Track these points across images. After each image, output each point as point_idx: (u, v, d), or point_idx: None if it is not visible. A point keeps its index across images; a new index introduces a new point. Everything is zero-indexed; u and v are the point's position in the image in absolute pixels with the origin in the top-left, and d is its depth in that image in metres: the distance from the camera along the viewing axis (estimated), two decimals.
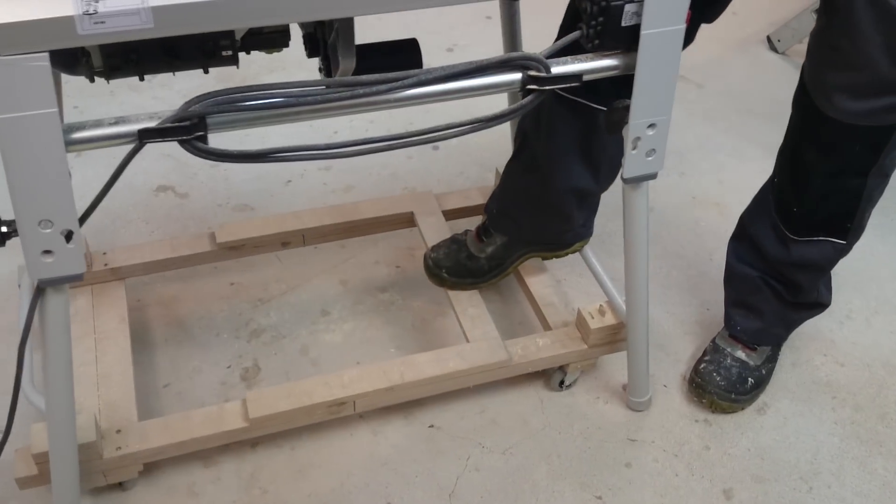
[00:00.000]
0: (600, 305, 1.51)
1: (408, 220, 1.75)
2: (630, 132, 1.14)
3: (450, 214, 1.76)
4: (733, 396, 1.55)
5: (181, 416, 1.38)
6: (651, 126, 1.15)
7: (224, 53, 1.03)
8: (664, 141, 1.17)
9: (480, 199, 1.77)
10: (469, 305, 1.57)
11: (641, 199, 1.27)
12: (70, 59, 1.04)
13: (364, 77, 1.00)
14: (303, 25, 1.13)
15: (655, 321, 1.70)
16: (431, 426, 1.51)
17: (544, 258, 1.64)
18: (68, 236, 0.97)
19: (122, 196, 1.96)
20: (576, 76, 1.07)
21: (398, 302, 1.73)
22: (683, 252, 1.90)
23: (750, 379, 1.56)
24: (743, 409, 1.57)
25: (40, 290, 1.02)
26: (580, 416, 1.54)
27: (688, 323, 1.73)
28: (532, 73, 1.05)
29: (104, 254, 1.63)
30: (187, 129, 0.96)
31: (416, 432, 1.50)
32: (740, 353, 1.58)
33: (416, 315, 1.71)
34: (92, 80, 1.13)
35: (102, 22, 0.84)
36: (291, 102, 0.98)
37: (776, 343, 1.62)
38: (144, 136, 0.95)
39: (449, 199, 1.79)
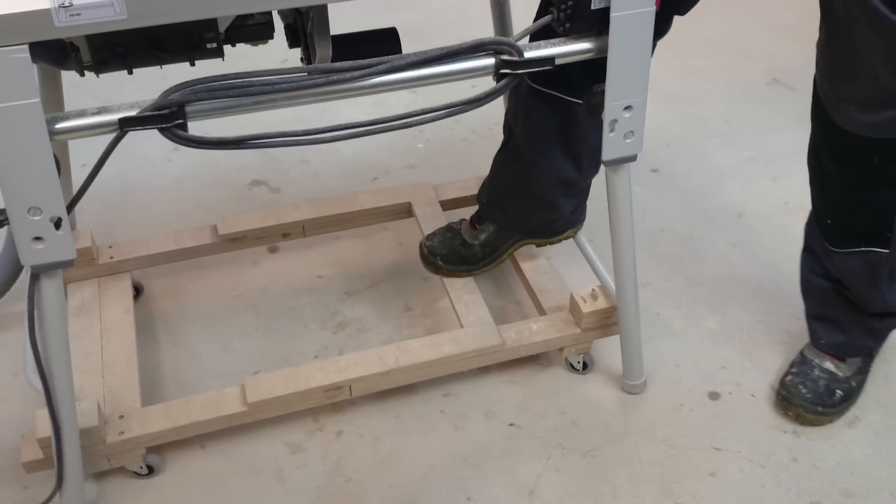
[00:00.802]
0: (592, 290, 1.53)
1: (406, 211, 1.78)
2: (606, 114, 1.16)
3: (447, 204, 1.79)
4: (820, 409, 1.49)
5: (182, 401, 1.42)
6: (627, 108, 1.17)
7: (209, 46, 1.07)
8: (641, 123, 1.19)
9: (475, 189, 1.79)
10: (464, 292, 1.59)
11: (623, 182, 1.28)
12: (60, 55, 1.08)
13: (339, 64, 1.03)
14: (283, 17, 1.16)
15: (745, 329, 1.70)
16: (512, 424, 1.51)
17: (538, 245, 1.66)
18: (57, 223, 1.01)
19: (217, 190, 2.02)
20: (548, 60, 1.09)
21: None
22: (774, 259, 1.85)
23: (838, 391, 1.51)
24: (831, 421, 1.51)
25: (35, 277, 1.06)
26: (664, 422, 1.52)
27: (777, 332, 1.69)
28: (505, 57, 1.08)
29: (110, 247, 1.68)
30: (166, 117, 0.99)
31: (496, 429, 1.50)
32: (828, 365, 1.52)
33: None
34: (82, 75, 1.17)
35: (78, 14, 0.88)
36: (267, 90, 1.01)
37: (866, 354, 1.56)
38: (125, 125, 0.99)
39: (446, 189, 1.81)
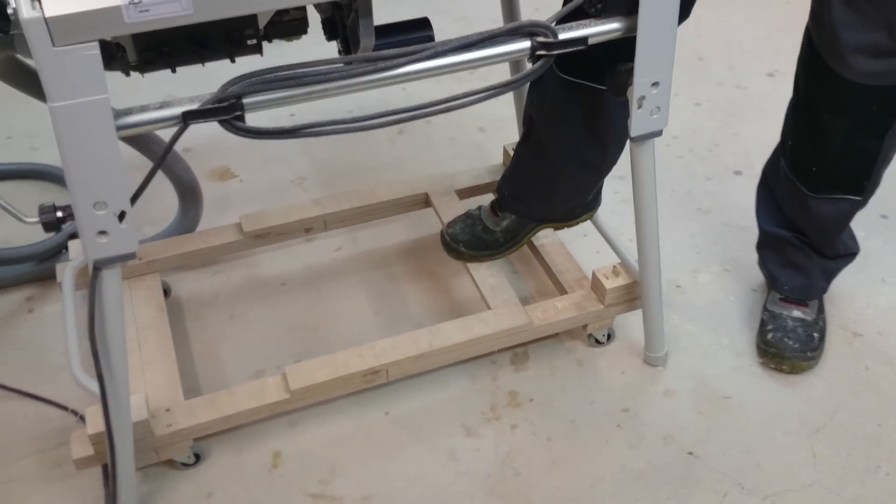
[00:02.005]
0: (614, 266, 1.59)
1: (423, 201, 1.83)
2: (635, 91, 1.22)
3: (463, 193, 1.84)
4: (809, 355, 1.60)
5: (226, 392, 1.45)
6: (654, 84, 1.22)
7: (249, 42, 1.11)
8: (667, 99, 1.25)
9: (489, 178, 1.85)
10: (488, 276, 1.64)
11: (648, 158, 1.34)
12: (106, 56, 1.11)
13: (384, 52, 1.08)
14: (322, 10, 1.20)
15: None
16: (691, 453, 1.49)
17: (556, 228, 1.72)
18: (121, 216, 1.05)
19: None
20: (582, 40, 1.14)
21: None
22: None
23: (815, 334, 1.62)
24: (817, 363, 1.61)
25: (97, 271, 1.09)
26: (857, 481, 1.45)
27: None
28: (540, 39, 1.12)
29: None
30: (226, 109, 1.03)
31: (673, 455, 1.49)
32: (797, 313, 1.63)
33: None
34: (127, 75, 1.21)
35: (147, 10, 0.92)
36: (320, 79, 1.05)
37: (820, 297, 1.68)
38: (188, 118, 1.02)
39: (460, 178, 1.86)
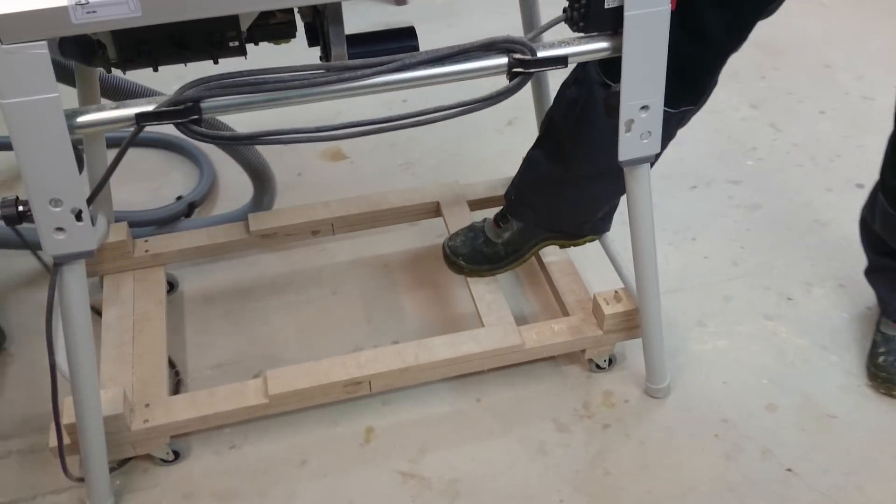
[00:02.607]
0: (615, 291, 1.52)
1: (434, 210, 1.80)
2: (622, 114, 1.16)
3: (475, 205, 1.80)
4: None
5: (207, 392, 1.45)
6: (644, 108, 1.16)
7: (231, 44, 1.10)
8: (659, 123, 1.19)
9: (503, 190, 1.80)
10: (486, 291, 1.60)
11: (643, 183, 1.28)
12: (87, 52, 1.12)
13: (351, 62, 1.05)
14: (303, 15, 1.18)
15: None
16: (790, 470, 1.45)
17: (561, 246, 1.66)
18: (78, 215, 1.05)
19: None
20: (561, 59, 1.09)
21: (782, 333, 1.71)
22: None
23: None
24: None
25: (57, 266, 1.10)
26: None
27: None
28: (517, 56, 1.08)
29: (145, 241, 1.72)
30: (182, 112, 1.02)
31: (771, 470, 1.45)
32: None
33: None
34: (109, 72, 1.21)
35: (94, 11, 0.91)
36: (280, 87, 1.03)
37: None
38: (142, 120, 1.01)
39: (475, 189, 1.82)
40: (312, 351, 1.66)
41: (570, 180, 1.52)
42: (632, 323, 1.52)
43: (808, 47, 2.63)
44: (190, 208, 1.93)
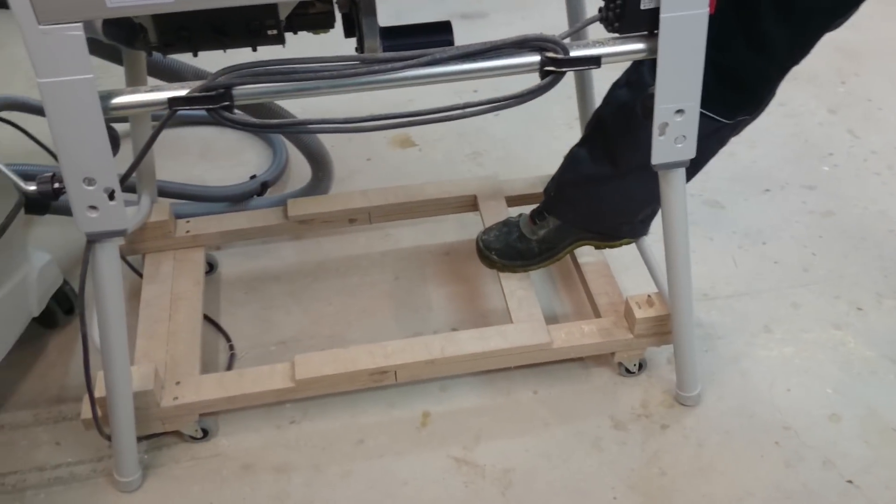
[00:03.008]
0: (648, 296, 1.50)
1: (471, 204, 1.79)
2: (656, 117, 1.14)
3: (513, 201, 1.79)
4: None
5: (236, 373, 1.48)
6: (679, 112, 1.14)
7: (269, 33, 1.11)
8: (694, 128, 1.16)
9: (542, 187, 1.79)
10: (518, 287, 1.59)
11: (677, 187, 1.26)
12: (129, 35, 1.14)
13: (382, 55, 1.05)
14: (340, 6, 1.19)
15: None
16: (850, 482, 1.42)
17: (597, 247, 1.64)
18: (111, 195, 1.07)
19: None
20: (594, 59, 1.08)
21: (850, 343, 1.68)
22: None
23: None
24: None
25: (90, 243, 1.13)
26: None
27: None
28: (550, 54, 1.07)
29: (187, 222, 1.75)
30: (214, 98, 1.03)
31: (831, 481, 1.43)
32: None
33: None
34: (149, 55, 1.23)
35: None
36: (310, 76, 1.04)
37: None
38: (174, 104, 1.03)
39: (513, 185, 1.81)
40: (373, 333, 1.69)
41: (614, 181, 1.50)
42: (664, 328, 1.50)
43: (891, 54, 2.56)
44: (262, 188, 1.98)
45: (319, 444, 1.50)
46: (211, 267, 1.83)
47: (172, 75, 1.63)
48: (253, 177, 2.02)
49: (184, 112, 1.05)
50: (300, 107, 2.18)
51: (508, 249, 1.62)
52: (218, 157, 2.16)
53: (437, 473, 1.45)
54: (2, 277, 1.48)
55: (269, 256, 1.88)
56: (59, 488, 1.45)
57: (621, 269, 1.78)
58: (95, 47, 1.52)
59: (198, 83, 1.04)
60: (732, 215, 1.95)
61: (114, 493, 1.43)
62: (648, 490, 1.41)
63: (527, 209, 1.69)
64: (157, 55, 1.55)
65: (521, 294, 1.58)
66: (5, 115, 1.50)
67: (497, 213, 1.74)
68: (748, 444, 1.48)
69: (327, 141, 1.90)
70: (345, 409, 1.55)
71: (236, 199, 1.94)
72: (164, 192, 1.88)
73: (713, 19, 1.07)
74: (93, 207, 1.07)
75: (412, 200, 1.76)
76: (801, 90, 2.34)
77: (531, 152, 2.16)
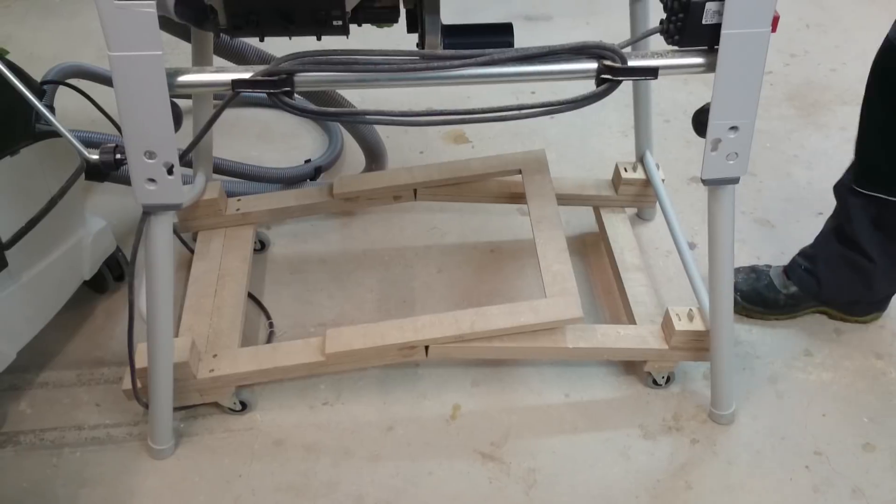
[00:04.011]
0: (690, 309, 1.50)
1: (517, 183, 1.79)
2: (710, 132, 1.14)
3: (561, 200, 1.76)
4: None
5: (270, 346, 1.51)
6: (733, 129, 1.14)
7: (335, 23, 1.13)
8: (748, 145, 1.16)
9: (592, 191, 1.80)
10: (555, 262, 1.56)
11: (726, 204, 1.25)
12: (200, 16, 1.17)
13: (441, 52, 1.07)
14: (405, 2, 1.20)
15: None
16: None
17: (831, 317, 1.71)
18: (170, 169, 1.10)
19: None
20: (651, 70, 1.08)
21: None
22: None
23: None
24: None
25: (146, 215, 1.16)
26: None
27: None
28: (607, 62, 1.08)
29: (238, 200, 1.79)
30: (275, 83, 1.06)
31: None
32: None
33: None
34: (217, 36, 1.26)
35: None
36: (370, 69, 1.06)
37: None
38: (237, 86, 1.06)
39: (563, 183, 1.81)
40: (389, 310, 1.72)
41: (864, 273, 1.57)
42: (701, 344, 1.49)
43: None
44: (316, 172, 2.01)
45: (350, 427, 1.53)
46: (262, 245, 1.87)
47: (237, 56, 1.67)
48: (308, 161, 2.05)
49: (246, 94, 1.07)
50: (359, 96, 2.21)
51: (754, 294, 1.68)
52: (275, 139, 2.20)
53: (463, 467, 1.47)
54: (57, 239, 1.53)
55: (317, 240, 1.91)
56: (94, 448, 1.49)
57: (663, 281, 1.79)
58: (165, 23, 1.57)
59: (261, 67, 1.07)
60: (782, 235, 1.93)
61: (146, 457, 1.48)
62: (673, 502, 1.41)
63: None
64: (224, 37, 1.60)
65: (557, 268, 1.54)
66: (74, 82, 1.54)
67: (541, 189, 1.72)
68: (778, 465, 1.47)
69: (382, 132, 1.93)
70: (377, 396, 1.58)
71: (290, 182, 1.98)
72: (222, 170, 1.92)
73: None
74: (151, 180, 1.11)
75: (457, 176, 1.77)
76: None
77: (584, 157, 2.16)
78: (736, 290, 1.63)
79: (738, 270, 1.71)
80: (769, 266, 1.72)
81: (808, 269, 1.64)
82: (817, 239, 1.64)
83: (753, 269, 1.72)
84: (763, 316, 1.69)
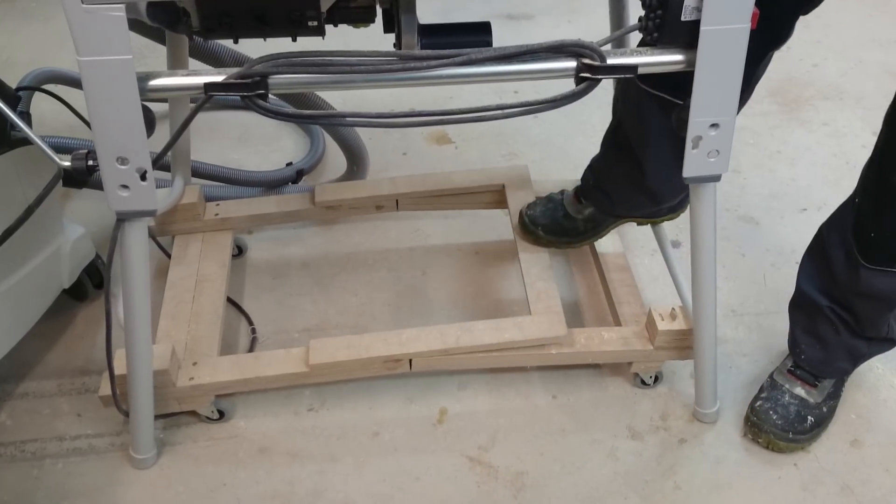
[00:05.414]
0: (672, 309, 1.49)
1: (498, 192, 1.78)
2: (690, 130, 1.13)
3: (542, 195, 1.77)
4: (791, 436, 1.47)
5: (252, 355, 1.49)
6: (713, 126, 1.13)
7: (310, 24, 1.11)
8: (729, 143, 1.15)
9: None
10: (538, 279, 1.57)
11: (708, 202, 1.24)
12: (173, 19, 1.15)
13: (418, 52, 1.05)
14: (381, 1, 1.19)
15: None
16: None
17: (639, 223, 1.66)
18: (143, 175, 1.08)
19: None
20: (631, 68, 1.07)
21: None
22: None
23: (810, 417, 1.49)
24: (803, 448, 1.49)
25: (120, 222, 1.14)
26: None
27: None
28: (586, 61, 1.06)
29: (217, 204, 1.77)
30: (249, 86, 1.04)
31: None
32: (799, 390, 1.50)
33: None
34: (191, 39, 1.24)
35: None
36: (345, 70, 1.04)
37: (840, 377, 1.53)
38: (210, 89, 1.04)
39: (544, 185, 1.80)
40: (397, 326, 1.66)
41: (642, 176, 1.48)
42: (685, 343, 1.49)
43: None
44: (298, 175, 1.99)
45: (335, 433, 1.51)
46: (240, 250, 1.85)
47: (214, 59, 1.65)
48: (289, 164, 2.03)
49: (220, 97, 1.05)
50: (340, 97, 2.20)
51: (555, 226, 1.63)
52: (256, 142, 2.18)
53: (451, 471, 1.45)
54: (36, 248, 1.51)
55: (299, 244, 1.90)
56: (76, 459, 1.47)
57: (649, 281, 1.78)
58: (140, 27, 1.55)
59: (235, 70, 1.05)
60: (767, 232, 1.93)
61: (129, 468, 1.45)
62: (661, 503, 1.41)
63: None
64: (199, 39, 1.58)
65: (541, 286, 1.56)
66: (51, 88, 1.52)
67: (525, 202, 1.71)
68: (767, 464, 1.47)
69: (364, 133, 1.91)
70: (363, 401, 1.56)
71: (272, 185, 1.96)
72: (201, 173, 1.90)
73: None
74: (124, 186, 1.09)
75: (439, 188, 1.76)
76: (846, 111, 2.31)
77: (568, 156, 2.16)
78: (537, 224, 1.62)
79: (535, 203, 1.67)
80: (563, 192, 1.67)
81: (598, 185, 1.59)
82: (601, 150, 1.59)
83: (550, 199, 1.67)
84: (570, 245, 1.65)
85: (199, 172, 1.88)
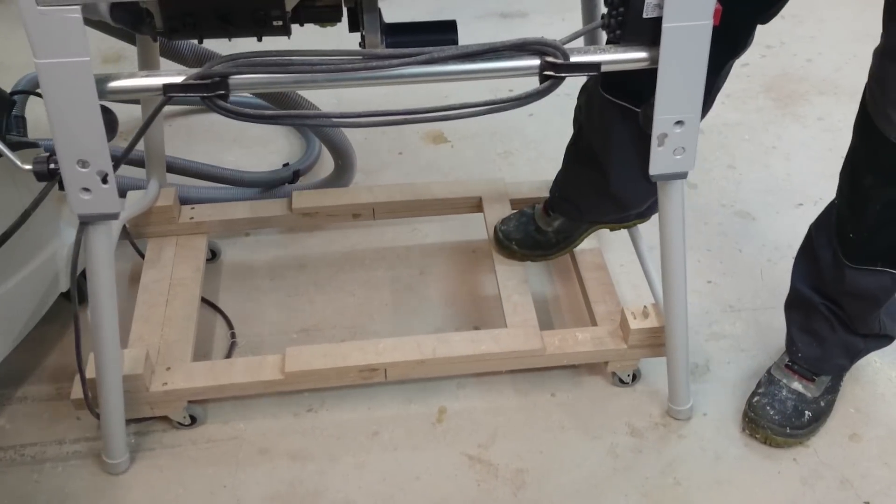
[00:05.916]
0: (644, 307, 1.49)
1: (476, 205, 1.79)
2: (655, 128, 1.13)
3: (518, 204, 1.77)
4: (788, 431, 1.47)
5: (227, 361, 1.49)
6: (678, 123, 1.12)
7: (275, 23, 1.10)
8: (694, 140, 1.15)
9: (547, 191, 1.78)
10: (515, 292, 1.58)
11: (676, 199, 1.24)
12: (136, 19, 1.14)
13: (380, 51, 1.05)
14: (346, 0, 1.18)
15: None
16: (867, 503, 1.42)
17: (611, 230, 1.66)
18: (104, 178, 1.07)
19: None
20: (594, 66, 1.07)
21: None
22: None
23: (807, 412, 1.49)
24: (801, 443, 1.49)
25: (83, 225, 1.13)
26: None
27: None
28: (550, 59, 1.06)
29: (192, 208, 1.76)
30: (209, 86, 1.03)
31: (848, 501, 1.43)
32: (797, 385, 1.50)
33: None
34: (155, 40, 1.23)
35: None
36: (306, 69, 1.03)
37: (838, 373, 1.53)
38: (169, 91, 1.03)
39: (519, 188, 1.80)
40: (394, 326, 1.70)
41: (607, 182, 1.49)
42: (658, 340, 1.49)
43: None
44: (295, 176, 1.98)
45: (335, 433, 1.51)
46: (213, 254, 1.84)
47: (184, 60, 1.64)
48: (286, 164, 2.03)
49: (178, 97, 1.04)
50: (335, 97, 2.20)
51: (528, 239, 1.63)
52: (252, 143, 2.17)
53: (450, 470, 1.45)
54: (32, 252, 1.50)
55: (296, 245, 1.89)
56: (76, 462, 1.46)
57: (624, 279, 1.78)
58: (106, 28, 1.54)
59: (194, 70, 1.04)
60: (763, 228, 1.93)
61: (130, 470, 1.45)
62: (662, 499, 1.41)
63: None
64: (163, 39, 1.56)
65: (517, 299, 1.57)
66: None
67: (501, 214, 1.72)
68: (766, 459, 1.47)
69: (361, 133, 1.91)
70: (362, 400, 1.56)
71: (269, 186, 1.96)
72: (194, 172, 1.90)
73: None
74: (86, 189, 1.08)
75: (417, 199, 1.76)
76: (841, 105, 2.31)
77: (562, 154, 2.14)
78: (511, 239, 1.63)
79: (508, 218, 1.67)
80: (535, 206, 1.68)
81: (564, 197, 1.60)
82: (564, 162, 1.60)
83: (522, 214, 1.68)
84: (545, 257, 1.66)
85: (192, 172, 1.88)
